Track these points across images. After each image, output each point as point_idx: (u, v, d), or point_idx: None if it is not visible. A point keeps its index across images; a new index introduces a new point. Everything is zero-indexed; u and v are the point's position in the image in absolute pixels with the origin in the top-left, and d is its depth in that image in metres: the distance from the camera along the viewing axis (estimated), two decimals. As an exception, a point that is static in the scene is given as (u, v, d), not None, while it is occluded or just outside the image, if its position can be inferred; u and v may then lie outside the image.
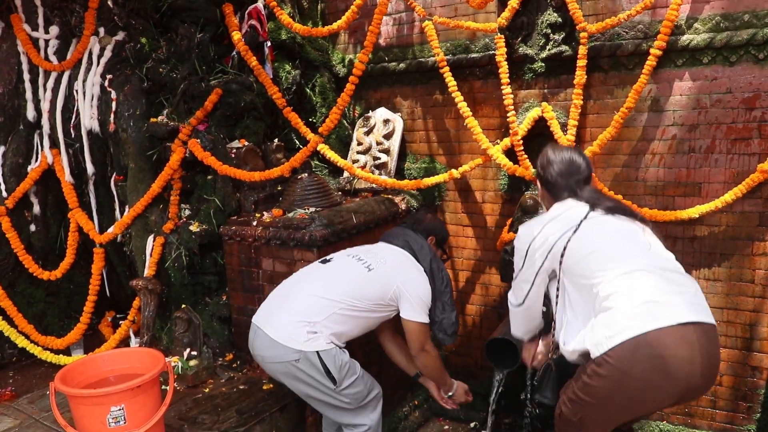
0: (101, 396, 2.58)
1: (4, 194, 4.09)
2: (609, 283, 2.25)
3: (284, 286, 3.06)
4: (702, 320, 2.18)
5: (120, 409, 2.59)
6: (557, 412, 2.50)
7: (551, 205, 2.65)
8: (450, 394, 3.38)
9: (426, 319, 3.06)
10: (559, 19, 3.59)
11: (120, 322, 4.18)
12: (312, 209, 3.64)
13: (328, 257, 3.14)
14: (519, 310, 2.71)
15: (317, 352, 2.77)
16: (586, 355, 2.31)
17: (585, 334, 2.31)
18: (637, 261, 2.28)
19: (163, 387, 3.00)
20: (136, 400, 2.63)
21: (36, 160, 4.17)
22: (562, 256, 2.40)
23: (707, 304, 2.29)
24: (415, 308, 3.02)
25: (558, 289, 2.51)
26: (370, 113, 4.38)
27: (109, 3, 3.96)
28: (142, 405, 2.67)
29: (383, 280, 2.98)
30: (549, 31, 3.63)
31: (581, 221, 2.42)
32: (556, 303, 2.53)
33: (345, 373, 2.85)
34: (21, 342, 4.05)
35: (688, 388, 2.19)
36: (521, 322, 2.79)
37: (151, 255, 3.84)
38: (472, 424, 4.10)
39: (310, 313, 2.84)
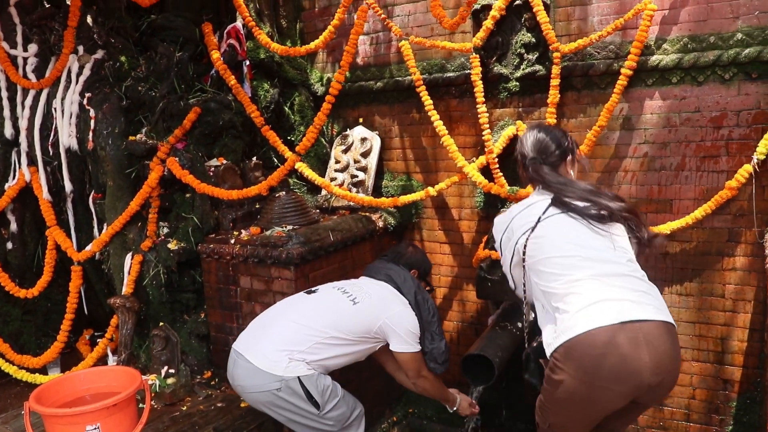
0: (76, 415, 2.58)
1: (-19, 212, 4.07)
2: (559, 289, 2.29)
3: (266, 314, 3.06)
4: (650, 318, 2.16)
5: (95, 428, 2.59)
6: (536, 420, 2.54)
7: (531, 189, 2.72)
8: (455, 408, 3.40)
9: (418, 347, 3.09)
10: (533, 40, 3.66)
11: (98, 340, 4.17)
12: (290, 227, 3.66)
13: (313, 288, 3.15)
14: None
15: (298, 377, 2.76)
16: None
17: (544, 332, 2.35)
18: (587, 269, 2.28)
19: (140, 405, 2.99)
20: (111, 419, 2.63)
21: (13, 178, 4.17)
22: (523, 254, 2.44)
23: (661, 302, 2.27)
24: (406, 340, 3.04)
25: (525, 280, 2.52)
26: (348, 131, 4.42)
27: (89, 21, 3.99)
28: (118, 424, 2.67)
29: (368, 314, 2.99)
30: (523, 51, 3.70)
31: (538, 219, 2.42)
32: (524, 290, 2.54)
33: (327, 396, 2.85)
34: (-4, 361, 4.03)
35: (640, 386, 2.15)
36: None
37: (129, 273, 3.84)
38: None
39: (292, 342, 2.83)
